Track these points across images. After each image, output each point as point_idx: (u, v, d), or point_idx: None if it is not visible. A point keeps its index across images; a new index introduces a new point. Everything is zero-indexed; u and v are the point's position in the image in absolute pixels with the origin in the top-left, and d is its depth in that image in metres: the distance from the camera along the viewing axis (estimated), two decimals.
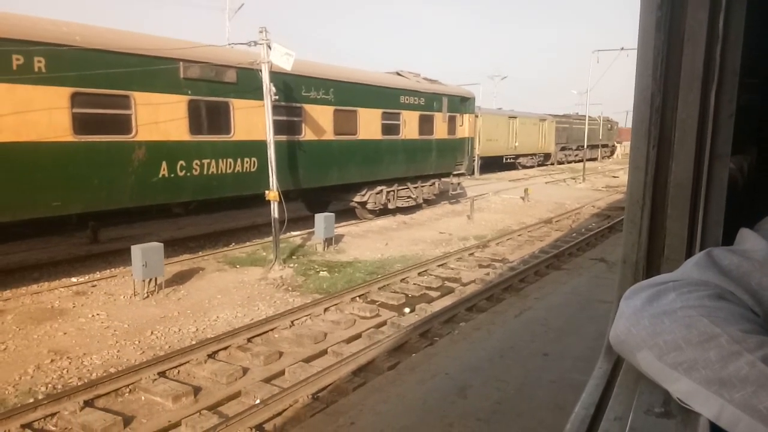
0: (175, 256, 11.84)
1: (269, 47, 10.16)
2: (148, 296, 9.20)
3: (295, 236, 14.30)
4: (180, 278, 10.32)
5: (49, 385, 6.29)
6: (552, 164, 45.34)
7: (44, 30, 8.37)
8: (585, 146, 38.29)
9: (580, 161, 43.35)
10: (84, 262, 11.45)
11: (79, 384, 6.22)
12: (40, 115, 8.21)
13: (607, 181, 33.03)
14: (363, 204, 16.84)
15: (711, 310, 0.70)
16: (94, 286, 9.84)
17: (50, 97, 8.32)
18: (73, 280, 10.18)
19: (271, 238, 13.10)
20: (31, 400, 5.83)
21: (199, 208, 14.13)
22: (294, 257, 12.37)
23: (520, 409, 5.23)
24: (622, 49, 28.56)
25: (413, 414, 5.21)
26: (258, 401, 5.99)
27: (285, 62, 10.04)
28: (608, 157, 59.44)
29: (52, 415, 5.71)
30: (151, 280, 9.29)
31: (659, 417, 0.74)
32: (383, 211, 17.53)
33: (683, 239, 1.07)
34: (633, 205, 1.10)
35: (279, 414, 5.83)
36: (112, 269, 10.97)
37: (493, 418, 5.08)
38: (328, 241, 13.30)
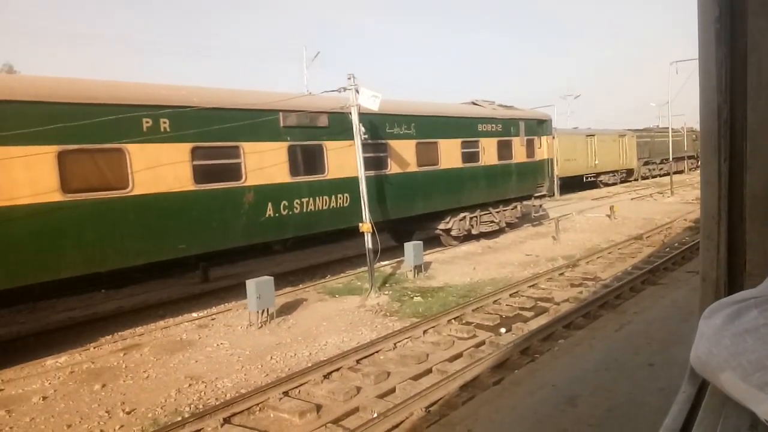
0: (279, 289, 12.71)
1: (357, 91, 11.03)
2: (261, 326, 10.03)
3: (385, 265, 14.90)
4: (287, 309, 11.13)
5: (192, 406, 7.09)
6: (635, 180, 43.81)
7: (167, 94, 9.64)
8: (670, 159, 36.84)
9: (665, 175, 41.65)
10: (199, 299, 12.57)
11: (216, 404, 6.97)
12: (166, 169, 9.40)
13: (697, 193, 31.38)
14: (447, 231, 17.27)
15: None
16: (213, 319, 10.84)
17: (174, 153, 9.51)
18: (194, 315, 11.24)
19: (363, 269, 13.79)
20: (179, 419, 6.61)
21: (294, 245, 15.12)
22: (387, 285, 12.94)
23: (632, 414, 5.40)
24: None
25: (526, 422, 5.50)
26: (375, 415, 6.49)
27: (372, 103, 10.85)
28: (695, 169, 56.54)
29: (198, 431, 6.45)
30: (263, 311, 10.13)
31: None
32: (467, 237, 17.86)
33: (765, 253, 1.03)
34: (708, 220, 1.06)
35: (397, 426, 6.27)
36: (226, 304, 11.98)
37: (606, 424, 5.29)
38: (418, 269, 13.79)
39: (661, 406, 5.45)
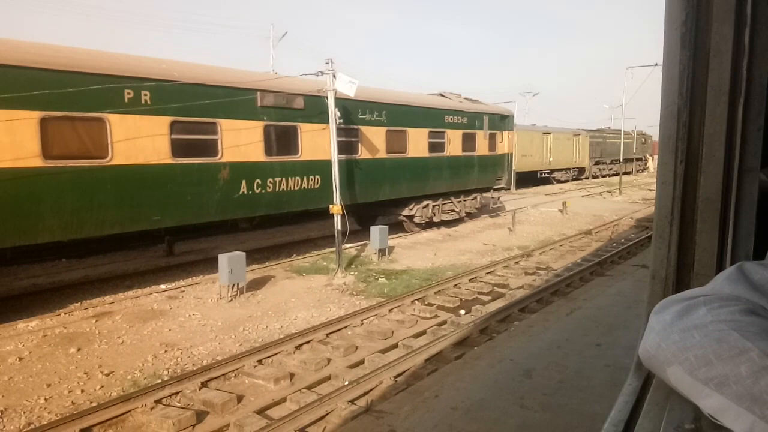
0: (246, 266, 12.99)
1: (334, 76, 11.34)
2: (232, 299, 10.32)
3: (350, 248, 15.32)
4: (255, 285, 11.43)
5: (169, 370, 7.37)
6: (586, 178, 45.69)
7: (149, 67, 9.71)
8: (621, 160, 38.62)
9: (614, 175, 43.63)
10: (166, 272, 12.68)
11: (194, 368, 7.28)
12: (145, 141, 9.50)
13: (643, 194, 33.31)
14: (410, 217, 17.84)
15: (742, 324, 0.69)
16: (182, 291, 11.02)
17: (153, 126, 9.61)
18: (162, 286, 11.39)
19: (327, 250, 14.21)
20: (159, 381, 6.90)
21: (260, 223, 15.34)
22: (353, 266, 13.39)
23: (581, 386, 6.08)
24: (656, 65, 29.15)
25: (488, 390, 6.10)
26: (347, 382, 6.96)
27: (349, 89, 11.19)
28: (642, 171, 59.32)
29: (176, 393, 6.75)
30: (234, 285, 10.41)
31: None
32: (428, 224, 18.49)
33: (713, 253, 1.05)
34: (661, 220, 1.09)
35: (368, 392, 6.76)
36: (193, 278, 12.16)
37: (558, 393, 5.95)
38: (382, 252, 14.29)
39: (607, 379, 6.19)
